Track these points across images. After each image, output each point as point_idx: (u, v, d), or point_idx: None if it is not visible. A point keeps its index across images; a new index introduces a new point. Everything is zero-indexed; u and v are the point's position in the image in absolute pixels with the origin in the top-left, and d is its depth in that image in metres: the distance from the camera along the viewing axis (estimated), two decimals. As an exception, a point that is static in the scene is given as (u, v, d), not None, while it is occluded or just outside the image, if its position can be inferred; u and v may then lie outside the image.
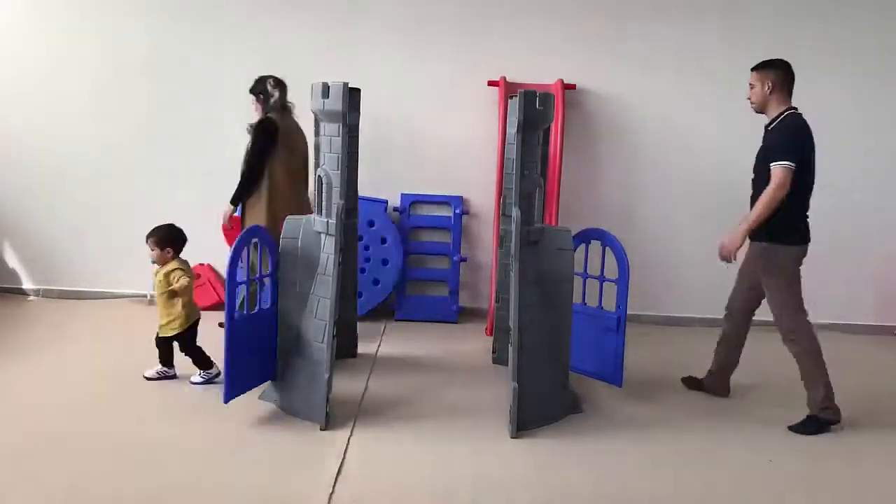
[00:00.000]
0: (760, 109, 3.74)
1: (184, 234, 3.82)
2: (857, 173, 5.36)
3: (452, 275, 5.32)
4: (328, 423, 3.31)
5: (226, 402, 3.27)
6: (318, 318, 3.45)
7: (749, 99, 3.76)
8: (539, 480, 2.92)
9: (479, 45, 5.26)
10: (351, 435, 3.27)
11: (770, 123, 3.70)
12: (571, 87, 5.20)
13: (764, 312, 5.41)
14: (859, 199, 5.37)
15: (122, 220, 5.27)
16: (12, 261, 5.50)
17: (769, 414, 3.76)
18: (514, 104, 3.49)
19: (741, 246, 3.63)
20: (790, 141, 3.55)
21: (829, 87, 5.29)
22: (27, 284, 5.49)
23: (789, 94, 3.69)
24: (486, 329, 4.95)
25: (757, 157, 3.74)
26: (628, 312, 5.47)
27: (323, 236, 3.52)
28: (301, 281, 3.55)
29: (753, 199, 3.69)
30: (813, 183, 3.66)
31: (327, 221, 3.48)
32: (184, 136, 5.34)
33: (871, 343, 5.25)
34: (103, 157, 5.37)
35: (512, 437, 3.29)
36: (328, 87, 3.46)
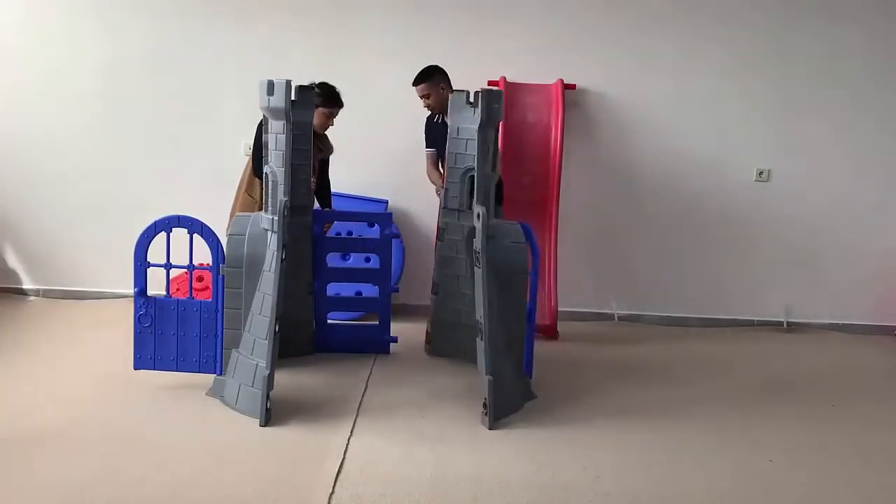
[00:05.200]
0: (442, 110, 4.25)
1: None
2: (857, 173, 5.36)
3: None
4: (267, 421, 3.34)
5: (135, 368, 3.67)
6: (261, 314, 3.50)
7: (429, 107, 4.30)
8: (539, 481, 2.93)
9: (479, 45, 5.25)
10: (351, 435, 3.27)
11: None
12: (571, 87, 5.19)
13: (764, 313, 5.50)
14: (859, 198, 5.37)
15: (122, 220, 5.26)
16: (12, 261, 5.50)
17: (769, 412, 3.76)
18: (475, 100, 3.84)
19: None
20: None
21: (828, 86, 5.28)
22: (27, 284, 5.49)
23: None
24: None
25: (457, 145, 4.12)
26: (629, 312, 5.57)
27: (269, 233, 3.61)
28: (247, 277, 3.64)
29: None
30: None
31: (272, 218, 3.56)
32: (185, 136, 5.33)
33: (870, 343, 5.25)
34: (103, 156, 5.36)
35: (489, 429, 3.36)
36: (272, 84, 3.50)
